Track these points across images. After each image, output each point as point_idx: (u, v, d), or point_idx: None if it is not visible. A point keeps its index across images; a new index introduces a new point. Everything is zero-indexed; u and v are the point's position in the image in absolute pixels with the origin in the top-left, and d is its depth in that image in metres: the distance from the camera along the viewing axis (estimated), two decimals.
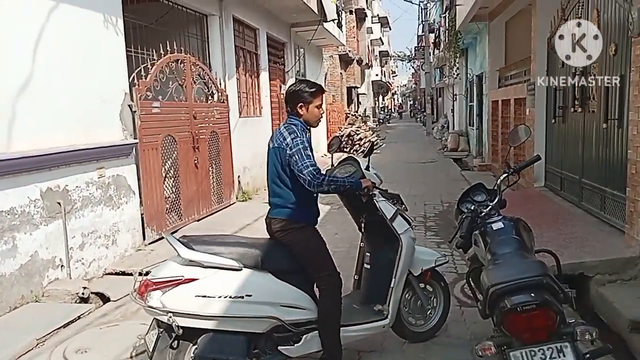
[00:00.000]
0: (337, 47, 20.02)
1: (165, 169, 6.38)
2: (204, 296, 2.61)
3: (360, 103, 31.33)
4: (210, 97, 7.61)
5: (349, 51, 23.28)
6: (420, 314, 3.44)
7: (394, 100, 79.33)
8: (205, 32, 8.08)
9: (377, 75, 41.26)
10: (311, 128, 3.04)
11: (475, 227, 2.93)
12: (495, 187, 3.07)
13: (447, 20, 15.98)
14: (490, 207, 2.95)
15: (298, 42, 13.21)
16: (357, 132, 17.54)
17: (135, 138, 5.60)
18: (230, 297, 2.65)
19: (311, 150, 2.85)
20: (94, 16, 5.11)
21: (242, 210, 7.77)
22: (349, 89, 26.17)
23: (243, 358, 2.69)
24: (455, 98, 19.51)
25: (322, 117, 3.07)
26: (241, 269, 2.72)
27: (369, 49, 34.27)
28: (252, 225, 6.59)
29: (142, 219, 5.76)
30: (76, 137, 4.79)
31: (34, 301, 4.21)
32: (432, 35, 25.08)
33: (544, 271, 2.29)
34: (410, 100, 71.85)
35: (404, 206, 3.32)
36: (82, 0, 4.91)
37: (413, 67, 43.44)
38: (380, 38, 41.97)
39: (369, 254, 3.40)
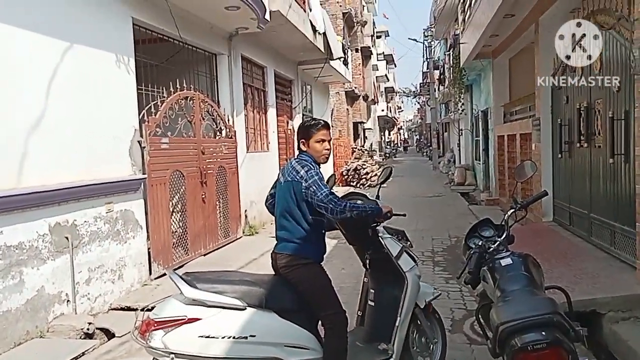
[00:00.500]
0: (344, 84, 20.34)
1: (172, 204, 6.41)
2: (207, 336, 2.57)
3: (366, 138, 31.58)
4: (218, 133, 7.72)
5: (355, 88, 23.66)
6: (426, 350, 3.36)
7: (400, 134, 79.94)
8: (214, 70, 8.26)
9: (383, 110, 41.71)
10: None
11: (483, 262, 2.89)
12: (503, 223, 3.05)
13: (451, 57, 16.24)
14: (498, 242, 2.92)
15: (305, 79, 13.46)
16: (364, 166, 17.70)
17: (143, 173, 5.66)
18: (233, 337, 2.61)
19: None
20: (107, 56, 5.26)
21: (249, 245, 7.75)
22: (355, 124, 26.45)
23: None
24: (461, 133, 19.60)
25: (327, 153, 3.00)
26: (245, 309, 2.69)
27: (374, 86, 34.85)
28: (258, 260, 6.55)
29: (149, 253, 5.76)
30: (86, 172, 4.85)
31: (38, 337, 4.17)
32: (436, 72, 25.44)
33: (554, 308, 2.25)
34: (416, 135, 72.33)
35: (409, 243, 3.30)
36: (97, 42, 5.08)
37: (419, 103, 43.89)
38: (385, 75, 42.73)
39: (373, 291, 3.35)
